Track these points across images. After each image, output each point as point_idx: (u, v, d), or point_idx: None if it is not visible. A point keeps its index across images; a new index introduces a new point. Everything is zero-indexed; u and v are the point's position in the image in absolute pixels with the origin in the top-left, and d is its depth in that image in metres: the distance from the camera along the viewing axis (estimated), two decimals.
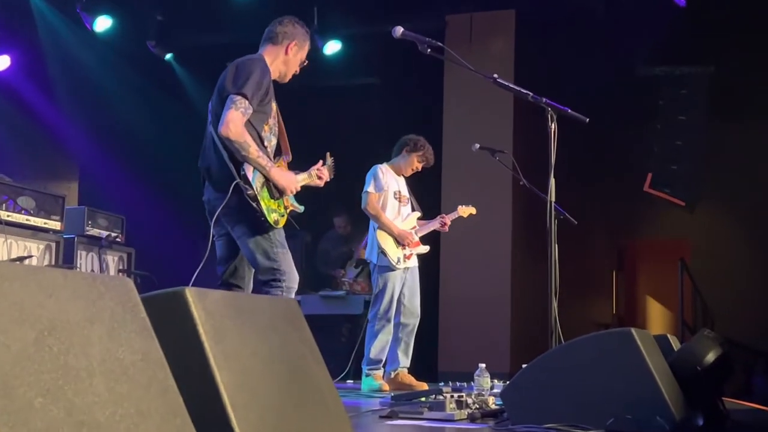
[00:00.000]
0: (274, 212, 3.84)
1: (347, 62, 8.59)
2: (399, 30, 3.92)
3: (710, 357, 3.28)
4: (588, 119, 3.92)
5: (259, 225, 3.81)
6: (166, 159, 8.61)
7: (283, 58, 4.07)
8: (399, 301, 5.94)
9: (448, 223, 6.19)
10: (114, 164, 8.34)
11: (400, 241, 5.92)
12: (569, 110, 3.91)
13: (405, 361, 5.95)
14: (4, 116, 7.87)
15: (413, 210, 6.15)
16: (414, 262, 6.05)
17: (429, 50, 3.99)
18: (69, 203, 6.66)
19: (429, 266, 8.15)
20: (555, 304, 3.77)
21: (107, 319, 1.39)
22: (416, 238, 6.03)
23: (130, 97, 8.61)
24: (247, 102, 3.73)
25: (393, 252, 5.91)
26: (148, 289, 6.70)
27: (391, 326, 5.89)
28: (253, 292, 3.98)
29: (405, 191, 6.12)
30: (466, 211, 6.33)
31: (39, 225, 5.94)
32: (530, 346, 6.79)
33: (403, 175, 6.14)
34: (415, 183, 6.41)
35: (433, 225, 6.17)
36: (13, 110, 7.90)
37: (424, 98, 8.48)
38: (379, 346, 5.85)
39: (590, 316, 9.86)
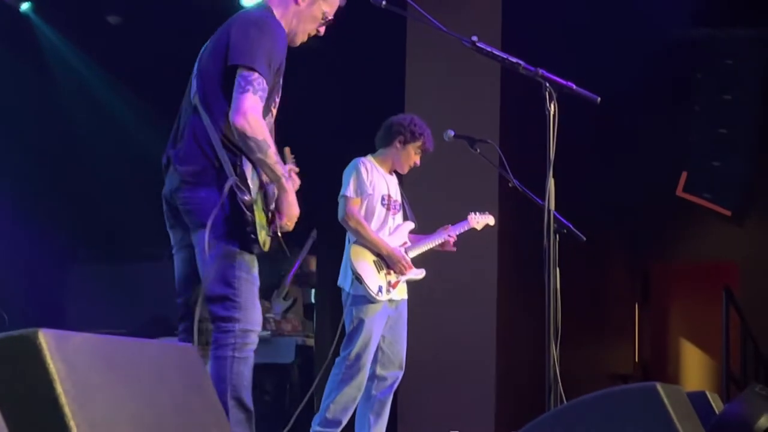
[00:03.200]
0: (263, 229, 3.86)
1: None
2: None
3: (764, 422, 3.31)
4: (599, 98, 3.96)
5: (243, 241, 3.82)
6: (20, 147, 8.52)
7: (294, 9, 4.12)
8: (389, 346, 5.94)
9: (455, 238, 6.13)
10: None
11: (389, 264, 5.87)
12: (574, 86, 3.95)
13: (378, 429, 5.91)
14: None
15: (405, 219, 6.12)
16: (403, 294, 6.00)
17: (384, 3, 4.00)
18: None
19: None
20: (555, 349, 3.80)
21: None
22: (409, 260, 5.97)
23: None
24: (260, 79, 3.76)
25: (373, 278, 5.82)
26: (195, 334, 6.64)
27: (362, 378, 5.84)
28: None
29: (396, 194, 6.08)
30: (480, 221, 6.29)
31: None
32: (522, 407, 6.82)
33: (395, 172, 6.12)
34: None
35: (432, 241, 6.10)
36: None
37: (379, 68, 8.48)
38: (341, 403, 5.79)
39: (603, 364, 9.93)
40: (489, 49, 4.04)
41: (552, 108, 3.91)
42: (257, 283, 3.93)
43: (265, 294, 8.44)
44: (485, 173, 7.29)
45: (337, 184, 6.47)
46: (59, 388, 1.62)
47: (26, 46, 8.95)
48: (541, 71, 3.96)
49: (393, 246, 5.90)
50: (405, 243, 6.02)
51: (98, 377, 1.79)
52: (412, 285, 7.95)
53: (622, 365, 10.16)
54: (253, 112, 3.74)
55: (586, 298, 8.62)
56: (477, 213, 6.28)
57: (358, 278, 5.79)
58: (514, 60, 4.01)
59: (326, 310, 8.81)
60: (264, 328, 7.87)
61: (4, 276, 8.04)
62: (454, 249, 6.18)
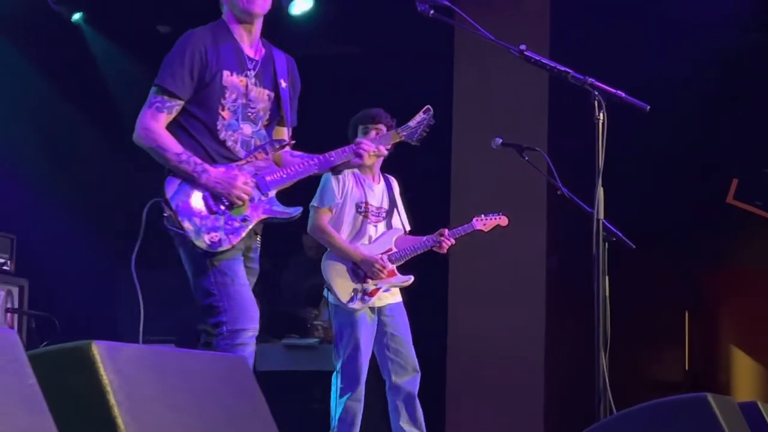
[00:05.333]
0: (212, 231, 3.94)
1: (320, 25, 8.61)
2: None
3: None
4: (649, 106, 3.94)
5: (192, 251, 3.96)
6: (73, 156, 8.59)
7: None
8: (383, 356, 5.87)
9: (451, 242, 5.98)
10: None
11: (364, 271, 5.80)
12: (623, 94, 3.93)
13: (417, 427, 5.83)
14: None
15: (390, 228, 6.02)
16: (392, 298, 5.94)
17: (433, 12, 4.01)
18: None
19: (432, 307, 8.16)
20: (605, 358, 3.78)
21: None
22: (390, 266, 5.89)
23: (22, 73, 8.59)
24: (162, 95, 3.97)
25: (344, 286, 5.78)
26: (46, 337, 6.70)
27: (360, 391, 5.79)
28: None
29: (379, 201, 5.98)
30: (488, 223, 6.17)
31: None
32: (571, 417, 6.79)
33: (375, 175, 6.02)
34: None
35: (422, 245, 5.98)
36: None
37: (426, 76, 8.48)
38: (347, 421, 5.74)
39: (653, 373, 9.87)
40: (537, 57, 4.04)
41: (601, 116, 3.90)
42: (242, 281, 4.02)
43: (314, 301, 8.44)
44: (533, 181, 7.28)
45: None
46: (112, 400, 1.64)
47: (78, 55, 9.04)
48: (589, 80, 3.95)
49: (369, 253, 5.82)
50: (390, 250, 5.92)
51: (150, 388, 1.81)
52: (456, 294, 8.00)
53: (671, 374, 10.07)
54: (143, 123, 4.01)
55: (635, 306, 8.57)
56: (484, 215, 6.17)
57: (328, 287, 5.80)
58: (563, 69, 4.00)
59: None
60: (312, 335, 7.89)
61: (55, 282, 8.11)
62: (445, 250, 6.03)
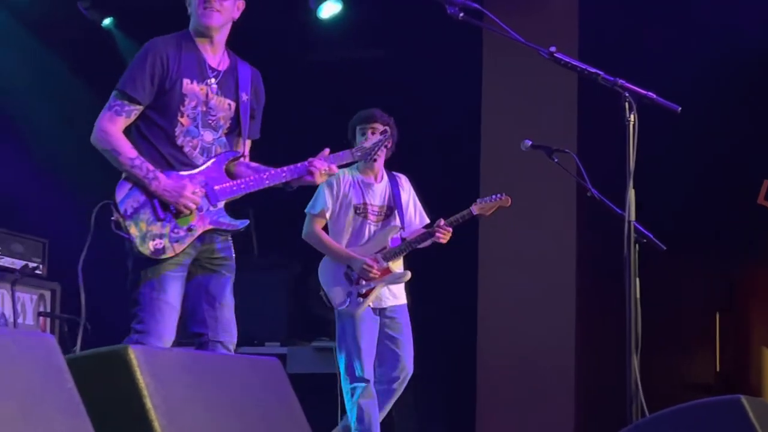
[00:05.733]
0: (157, 238, 4.06)
1: (348, 29, 8.62)
2: None
3: None
4: (680, 108, 3.93)
5: (135, 256, 4.08)
6: (104, 162, 8.61)
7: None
8: (390, 350, 5.92)
9: (447, 230, 5.88)
10: (31, 169, 8.35)
11: (357, 272, 5.83)
12: (654, 96, 3.92)
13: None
14: None
15: (389, 225, 6.02)
16: (395, 300, 5.97)
17: (462, 14, 4.01)
18: None
19: (462, 310, 8.16)
20: (636, 360, 3.77)
21: (21, 393, 1.39)
22: (384, 264, 5.88)
23: (54, 79, 8.65)
24: (122, 99, 4.11)
25: (337, 289, 5.86)
26: (78, 341, 6.72)
27: (369, 388, 5.82)
28: None
29: (382, 199, 6.01)
30: (487, 206, 6.07)
31: None
32: (602, 419, 6.76)
33: (377, 174, 6.04)
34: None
35: (418, 239, 5.93)
36: None
37: (454, 78, 8.49)
38: (366, 421, 5.76)
39: (684, 374, 9.81)
40: (567, 59, 4.03)
41: (632, 118, 3.89)
42: (171, 300, 4.12)
43: None
44: (563, 183, 7.27)
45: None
46: (149, 403, 1.65)
47: (109, 60, 9.07)
48: (620, 81, 3.94)
49: (357, 254, 5.85)
50: (384, 248, 5.94)
51: (186, 392, 1.82)
52: (485, 297, 7.98)
53: (702, 375, 10.02)
54: (100, 125, 4.15)
55: (666, 308, 8.53)
56: (485, 198, 6.13)
57: (323, 292, 5.89)
58: (593, 70, 3.99)
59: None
60: None
61: (86, 286, 8.12)
62: (442, 240, 5.93)
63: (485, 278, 8.00)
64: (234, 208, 4.38)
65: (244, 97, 4.38)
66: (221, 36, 4.36)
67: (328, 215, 5.93)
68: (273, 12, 8.62)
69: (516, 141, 5.93)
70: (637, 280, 3.86)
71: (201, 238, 4.20)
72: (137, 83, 4.13)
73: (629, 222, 3.91)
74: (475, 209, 6.04)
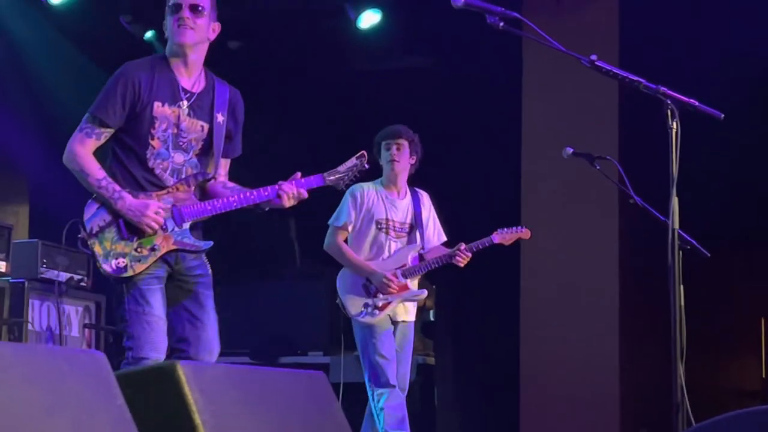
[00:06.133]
0: (120, 257, 4.13)
1: (389, 39, 8.63)
2: None
3: None
4: (723, 115, 3.90)
5: (115, 279, 4.15)
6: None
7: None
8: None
9: (467, 255, 5.94)
10: (76, 183, 8.42)
11: (376, 286, 5.89)
12: (697, 103, 3.89)
13: None
14: None
15: (411, 243, 6.06)
16: (407, 316, 6.02)
17: (502, 24, 3.99)
18: (17, 236, 6.74)
19: (505, 317, 8.14)
20: (682, 367, 3.74)
21: (73, 409, 1.40)
22: (402, 281, 5.93)
23: (94, 90, 8.71)
24: (93, 122, 4.22)
25: (354, 300, 5.92)
26: (123, 352, 6.75)
27: (395, 392, 5.88)
28: None
29: (404, 216, 6.06)
30: (508, 237, 6.14)
31: None
32: (648, 427, 6.73)
33: (400, 190, 6.07)
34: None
35: (438, 260, 5.99)
36: None
37: (495, 86, 8.49)
38: (392, 423, 5.79)
39: (729, 381, 9.75)
40: (608, 67, 4.00)
41: (674, 125, 3.86)
42: (156, 311, 4.17)
43: None
44: (605, 190, 7.24)
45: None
46: (198, 419, 1.65)
47: None
48: (662, 89, 3.91)
49: (379, 268, 5.89)
50: (404, 265, 5.97)
51: (234, 407, 1.83)
52: (528, 304, 7.95)
53: (748, 381, 9.95)
54: (71, 147, 4.24)
55: (712, 313, 8.48)
56: (506, 228, 6.14)
57: (340, 302, 5.95)
58: (635, 78, 3.96)
59: (446, 329, 8.81)
60: None
61: None
62: (461, 264, 5.98)
63: (527, 286, 7.97)
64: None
65: (220, 117, 4.43)
66: (196, 56, 4.38)
67: (350, 228, 5.98)
68: (313, 23, 8.66)
69: (557, 149, 5.92)
70: (681, 287, 3.83)
71: (170, 257, 4.29)
72: (108, 107, 4.22)
73: (673, 229, 3.88)
74: (496, 238, 6.09)
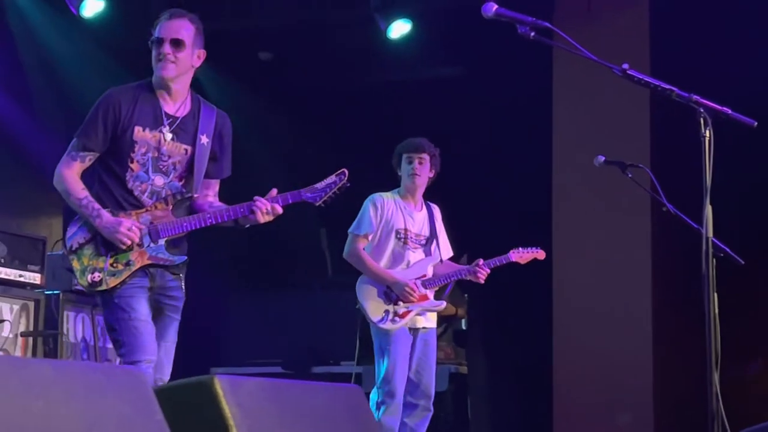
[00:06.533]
0: (95, 272, 4.30)
1: (420, 48, 8.63)
2: (492, 7, 3.93)
3: None
4: (756, 122, 3.88)
5: (87, 291, 4.36)
6: None
7: None
8: (415, 373, 5.94)
9: (486, 271, 6.01)
10: None
11: (396, 294, 5.90)
12: (730, 111, 3.87)
13: None
14: None
15: (429, 255, 6.09)
16: (428, 323, 6.02)
17: (533, 34, 3.99)
18: (51, 248, 6.77)
19: (538, 327, 8.12)
20: (716, 376, 3.72)
21: (113, 426, 1.41)
22: (423, 291, 5.96)
23: None
24: (77, 144, 4.40)
25: (375, 307, 5.93)
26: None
27: (396, 405, 5.88)
28: None
29: (420, 228, 6.08)
30: (525, 256, 6.20)
31: (12, 278, 6.05)
32: None
33: (417, 202, 6.10)
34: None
35: (457, 273, 6.05)
36: None
37: (526, 94, 8.47)
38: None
39: (764, 389, 9.67)
40: (640, 76, 3.99)
41: (707, 134, 3.84)
42: (141, 316, 4.30)
43: None
44: (637, 198, 7.21)
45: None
46: None
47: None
48: (694, 97, 3.89)
49: (400, 277, 5.91)
50: (424, 276, 6.02)
51: (271, 421, 1.83)
52: (561, 313, 7.93)
53: None
54: (58, 169, 4.42)
55: (745, 322, 8.42)
56: (522, 248, 6.18)
57: (361, 308, 5.95)
58: (667, 87, 3.95)
59: (478, 338, 8.79)
60: None
61: None
62: (481, 280, 6.03)
63: (560, 294, 7.96)
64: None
65: (204, 140, 4.55)
66: (179, 86, 4.51)
67: (371, 237, 6.00)
68: (343, 34, 8.68)
69: (588, 157, 5.91)
70: (716, 295, 3.81)
71: (151, 273, 4.42)
72: (90, 132, 4.39)
73: (707, 238, 3.86)
74: (513, 256, 6.14)
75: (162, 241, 4.39)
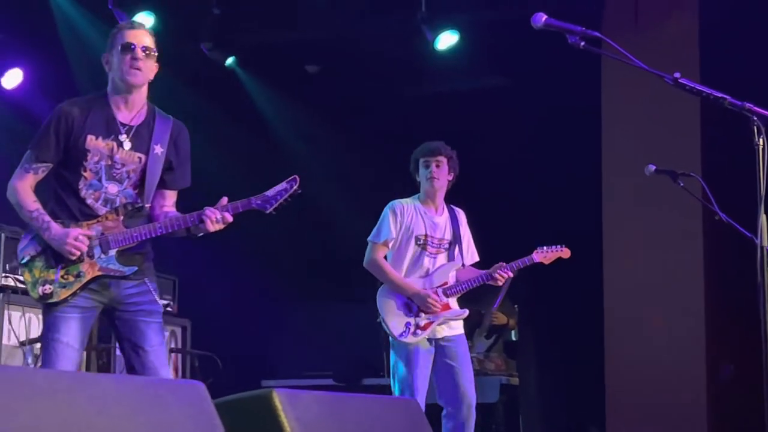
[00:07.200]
0: (47, 283, 4.30)
1: (467, 59, 8.63)
2: (542, 18, 3.92)
3: None
4: None
5: (39, 303, 4.35)
6: (230, 197, 8.78)
7: (108, 69, 4.58)
8: (450, 380, 5.82)
9: (507, 274, 5.89)
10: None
11: (417, 305, 5.81)
12: None
13: None
14: (13, 143, 8.17)
15: (452, 260, 5.98)
16: (450, 331, 5.88)
17: (583, 44, 3.97)
18: None
19: (589, 335, 8.08)
20: None
21: None
22: (444, 300, 5.85)
23: (179, 115, 8.85)
24: (30, 156, 4.41)
25: (397, 319, 5.81)
26: (210, 374, 6.82)
27: None
28: None
29: (442, 232, 5.98)
30: (549, 255, 6.04)
31: None
32: None
33: (437, 206, 6.01)
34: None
35: (479, 278, 5.91)
36: (25, 136, 8.19)
37: (575, 104, 8.45)
38: None
39: None
40: (692, 85, 3.96)
41: (761, 142, 3.81)
42: (68, 341, 4.27)
43: (468, 332, 8.45)
44: (688, 207, 7.17)
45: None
46: None
47: (234, 98, 9.27)
48: (747, 105, 3.86)
49: (420, 287, 5.82)
50: (445, 283, 5.89)
51: None
52: (612, 322, 7.88)
53: None
54: (11, 182, 4.42)
55: None
56: (545, 247, 6.03)
57: (382, 321, 5.83)
58: (719, 95, 3.91)
59: (529, 349, 8.76)
60: None
61: (215, 321, 8.28)
62: (499, 282, 5.92)
63: (611, 304, 7.91)
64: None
65: (158, 149, 4.53)
66: (139, 94, 4.55)
67: (391, 245, 5.91)
68: (390, 46, 8.69)
69: (638, 167, 5.88)
70: None
71: (105, 284, 4.40)
72: (42, 144, 4.41)
73: (762, 247, 3.82)
74: (536, 256, 6.00)
75: (113, 252, 4.38)
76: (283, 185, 4.55)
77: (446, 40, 8.41)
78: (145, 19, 8.32)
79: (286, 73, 9.33)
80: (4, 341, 5.98)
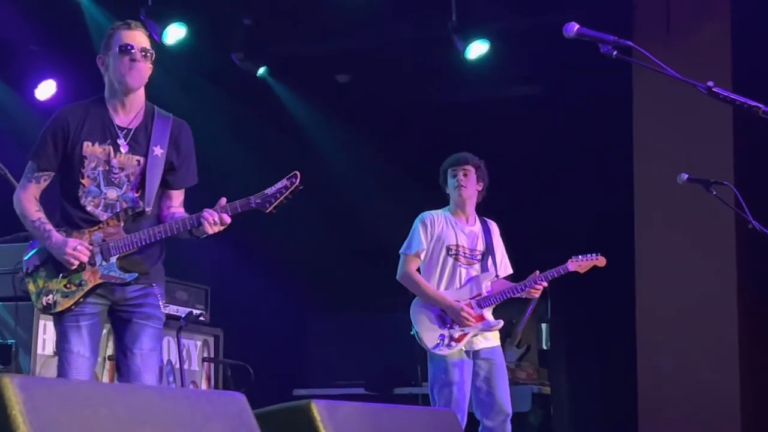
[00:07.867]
0: (50, 293, 4.31)
1: (498, 68, 8.63)
2: (574, 27, 3.92)
3: None
4: None
5: (53, 318, 4.37)
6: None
7: (105, 73, 4.50)
8: (486, 394, 5.79)
9: (543, 284, 5.85)
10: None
11: (451, 318, 5.78)
12: None
13: None
14: None
15: (485, 271, 5.95)
16: (486, 343, 5.85)
17: (616, 53, 3.97)
18: None
19: (621, 344, 8.05)
20: None
21: None
22: (478, 311, 5.82)
23: (212, 126, 8.90)
24: (32, 166, 4.42)
25: (432, 332, 5.78)
26: (242, 384, 6.83)
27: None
28: None
29: (473, 243, 5.96)
30: (584, 264, 5.97)
31: None
32: None
33: (468, 217, 6.00)
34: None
35: (513, 289, 5.87)
36: None
37: (606, 113, 8.43)
38: None
39: None
40: (726, 93, 3.95)
41: None
42: (80, 350, 4.29)
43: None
44: (721, 216, 7.13)
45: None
46: None
47: (267, 107, 9.30)
48: None
49: (453, 299, 5.78)
50: (479, 294, 5.86)
51: None
52: (645, 332, 7.85)
53: None
54: (15, 193, 4.45)
55: None
56: (580, 256, 5.96)
57: (416, 334, 5.81)
58: (753, 103, 3.90)
59: (561, 358, 8.74)
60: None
61: (247, 330, 8.30)
62: (536, 295, 5.90)
63: (644, 314, 7.88)
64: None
65: (157, 150, 4.48)
66: (137, 98, 4.49)
67: (422, 256, 5.90)
68: (421, 55, 8.71)
69: (670, 175, 5.86)
70: None
71: (107, 289, 4.39)
72: (41, 153, 4.41)
73: None
74: (571, 266, 5.93)
75: (114, 259, 4.36)
76: (283, 182, 4.48)
77: (477, 49, 8.42)
78: (178, 30, 8.39)
79: (317, 83, 9.37)
80: (39, 351, 6.01)
